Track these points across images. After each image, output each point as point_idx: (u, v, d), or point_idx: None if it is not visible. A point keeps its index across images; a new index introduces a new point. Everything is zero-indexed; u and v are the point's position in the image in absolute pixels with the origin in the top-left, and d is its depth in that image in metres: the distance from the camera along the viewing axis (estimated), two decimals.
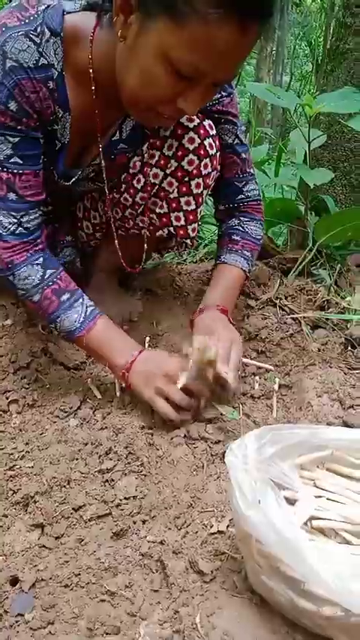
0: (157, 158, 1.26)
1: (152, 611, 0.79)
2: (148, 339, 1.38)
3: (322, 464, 0.83)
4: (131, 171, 1.29)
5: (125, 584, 0.84)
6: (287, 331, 1.49)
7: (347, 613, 0.64)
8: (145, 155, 1.26)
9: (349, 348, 1.44)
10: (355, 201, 1.93)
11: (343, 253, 1.85)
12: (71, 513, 0.97)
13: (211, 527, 0.90)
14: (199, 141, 1.23)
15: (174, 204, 1.30)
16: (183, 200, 1.29)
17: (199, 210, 1.32)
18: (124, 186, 1.31)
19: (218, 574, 0.81)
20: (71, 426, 1.17)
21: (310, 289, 1.62)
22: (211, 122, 1.25)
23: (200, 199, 1.30)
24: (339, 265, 1.73)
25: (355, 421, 1.16)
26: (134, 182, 1.29)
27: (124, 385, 1.20)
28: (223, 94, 1.26)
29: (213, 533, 0.89)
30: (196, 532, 0.90)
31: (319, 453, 0.82)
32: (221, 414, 1.17)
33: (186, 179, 1.26)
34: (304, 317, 1.53)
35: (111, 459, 1.07)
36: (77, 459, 1.08)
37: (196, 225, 1.34)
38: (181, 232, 1.34)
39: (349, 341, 1.45)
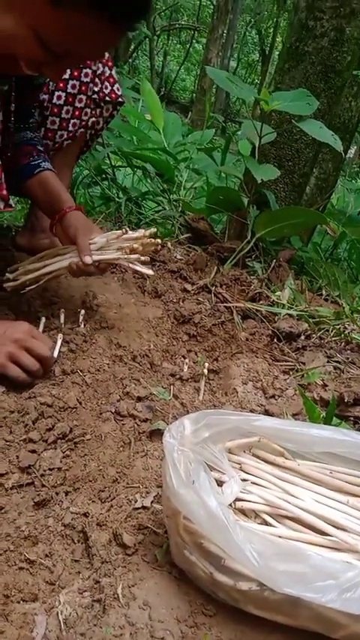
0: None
1: (72, 580, 0.80)
2: (83, 312, 1.37)
3: (249, 449, 0.88)
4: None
5: (45, 554, 0.85)
6: (219, 318, 1.53)
7: (262, 588, 0.70)
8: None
9: (275, 340, 1.51)
10: (294, 200, 2.01)
11: (277, 249, 1.92)
12: None
13: (135, 502, 0.92)
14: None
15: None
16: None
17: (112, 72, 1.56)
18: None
19: (140, 547, 0.84)
20: None
21: (245, 280, 1.68)
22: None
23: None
24: (274, 260, 1.80)
25: (276, 410, 1.23)
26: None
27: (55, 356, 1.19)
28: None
29: (137, 508, 0.91)
30: (121, 506, 0.92)
31: (247, 439, 0.86)
32: (151, 394, 1.20)
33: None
34: (236, 306, 1.59)
35: (37, 429, 1.06)
36: (1, 426, 1.05)
37: (117, 85, 1.57)
38: (113, 96, 1.54)
39: (276, 334, 1.52)
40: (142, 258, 1.31)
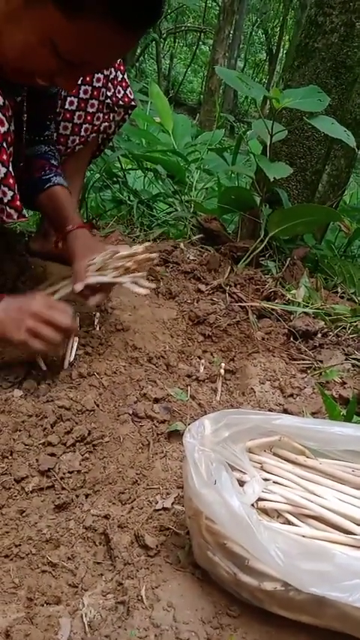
0: None
1: (95, 583, 0.80)
2: (97, 314, 1.37)
3: (270, 448, 0.88)
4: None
5: (67, 556, 0.85)
6: (234, 318, 1.53)
7: (287, 588, 0.69)
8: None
9: (292, 339, 1.50)
10: (307, 197, 2.00)
11: (290, 247, 1.91)
12: (12, 484, 0.95)
13: (156, 503, 0.92)
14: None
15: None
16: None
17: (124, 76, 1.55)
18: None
19: (162, 549, 0.84)
20: (15, 397, 1.14)
21: (259, 279, 1.67)
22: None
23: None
24: (288, 259, 1.79)
25: (294, 409, 1.22)
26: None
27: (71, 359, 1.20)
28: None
29: (158, 510, 0.91)
30: (142, 508, 0.92)
31: (268, 438, 0.86)
32: (168, 395, 1.19)
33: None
34: (251, 306, 1.58)
35: (55, 433, 1.06)
36: (20, 430, 1.06)
37: (130, 88, 1.56)
38: (126, 100, 1.54)
39: (292, 332, 1.51)
40: (139, 274, 1.28)
